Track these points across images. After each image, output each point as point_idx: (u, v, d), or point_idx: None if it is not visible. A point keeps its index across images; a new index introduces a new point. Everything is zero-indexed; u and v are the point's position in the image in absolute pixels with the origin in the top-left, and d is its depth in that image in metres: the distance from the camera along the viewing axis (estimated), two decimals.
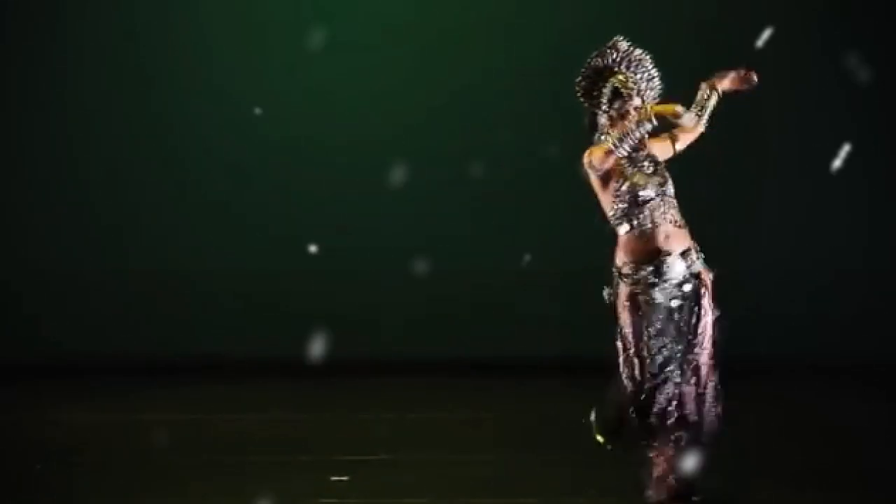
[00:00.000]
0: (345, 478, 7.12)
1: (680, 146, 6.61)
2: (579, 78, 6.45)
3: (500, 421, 8.96)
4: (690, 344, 6.42)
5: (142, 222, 10.99)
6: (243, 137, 10.93)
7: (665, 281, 6.30)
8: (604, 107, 6.35)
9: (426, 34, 10.92)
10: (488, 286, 10.72)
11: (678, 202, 6.45)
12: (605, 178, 6.31)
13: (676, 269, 6.33)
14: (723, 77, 6.63)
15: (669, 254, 6.32)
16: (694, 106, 6.52)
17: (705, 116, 6.55)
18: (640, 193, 6.31)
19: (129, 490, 6.96)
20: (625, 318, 6.39)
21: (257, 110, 10.83)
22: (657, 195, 6.36)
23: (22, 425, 8.81)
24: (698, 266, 6.41)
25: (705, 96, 6.55)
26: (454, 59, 10.90)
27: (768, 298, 10.97)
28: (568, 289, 10.89)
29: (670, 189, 6.42)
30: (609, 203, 6.33)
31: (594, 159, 6.23)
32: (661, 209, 6.37)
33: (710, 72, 11.02)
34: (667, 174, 6.44)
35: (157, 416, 9.16)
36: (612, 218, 6.34)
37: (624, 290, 6.34)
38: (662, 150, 6.52)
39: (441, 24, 10.90)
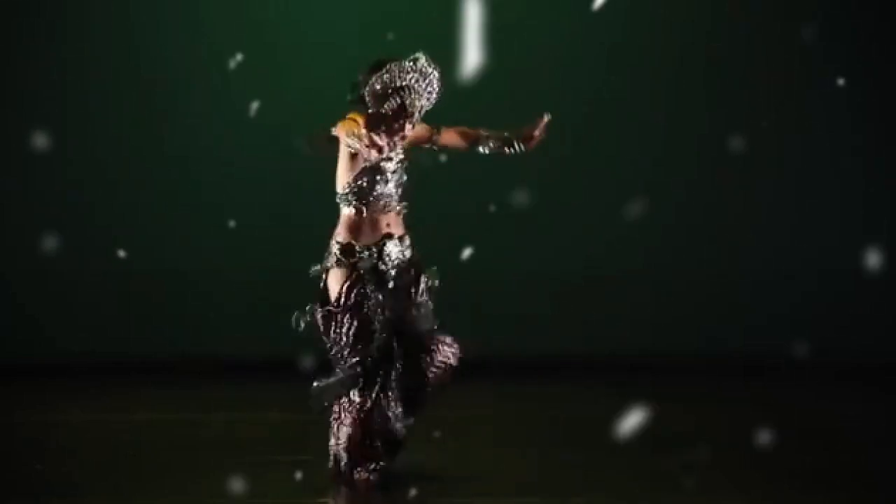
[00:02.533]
0: None
1: (443, 142, 6.98)
2: (372, 77, 6.65)
3: (500, 420, 8.96)
4: (400, 322, 6.78)
5: (141, 222, 10.99)
6: (243, 137, 10.92)
7: (384, 263, 6.73)
8: (383, 111, 6.62)
9: (428, 33, 10.91)
10: (488, 286, 10.71)
11: (404, 189, 6.85)
12: (353, 156, 6.67)
13: (394, 252, 6.76)
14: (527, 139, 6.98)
15: (390, 237, 6.76)
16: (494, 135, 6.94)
17: (490, 143, 6.95)
18: (377, 187, 6.72)
19: (129, 490, 6.96)
20: (336, 292, 6.76)
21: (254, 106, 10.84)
22: (394, 187, 6.77)
23: (22, 425, 8.81)
24: (408, 253, 6.87)
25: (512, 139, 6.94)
26: (455, 58, 10.90)
27: (767, 298, 10.98)
28: (568, 289, 10.91)
29: (404, 179, 6.82)
30: (344, 179, 6.74)
31: (350, 136, 6.57)
32: (393, 199, 6.78)
33: (707, 68, 11.09)
34: (404, 172, 6.83)
35: (157, 416, 9.15)
36: (342, 194, 6.77)
37: (341, 267, 6.76)
38: (418, 134, 6.86)
39: (442, 22, 10.90)
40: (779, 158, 11.10)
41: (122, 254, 10.75)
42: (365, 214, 6.75)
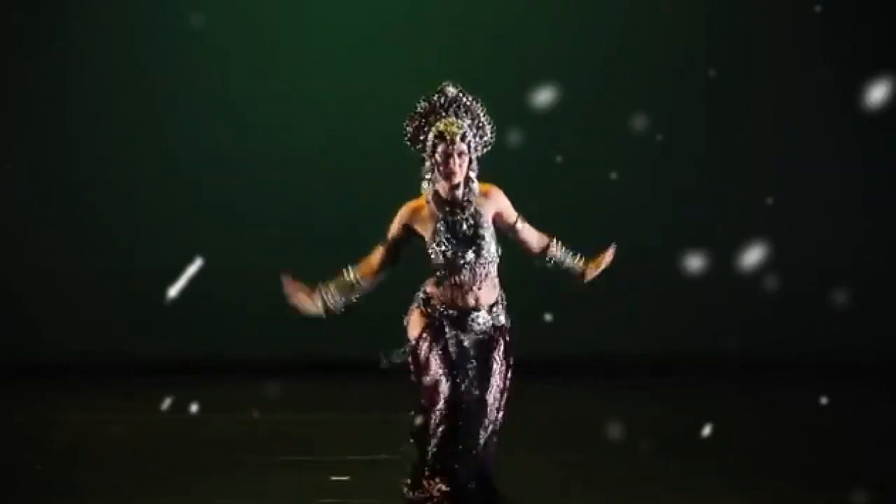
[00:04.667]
0: (345, 478, 7.12)
1: (521, 235, 6.44)
2: (406, 122, 6.30)
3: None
4: (478, 387, 6.33)
5: (141, 222, 10.99)
6: (243, 137, 10.93)
7: (465, 331, 6.30)
8: (427, 151, 6.21)
9: (428, 34, 10.92)
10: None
11: (497, 259, 6.36)
12: (424, 226, 6.26)
13: (479, 320, 6.33)
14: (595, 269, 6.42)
15: (477, 310, 6.31)
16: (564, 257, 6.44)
17: (554, 263, 6.44)
18: (459, 256, 6.24)
19: (129, 490, 6.97)
20: (414, 335, 6.38)
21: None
22: (476, 252, 6.26)
23: (22, 425, 8.81)
24: (501, 319, 6.41)
25: (576, 265, 6.42)
26: (456, 58, 10.91)
27: (767, 298, 10.98)
28: (568, 289, 10.91)
29: (488, 252, 6.30)
30: (428, 247, 6.28)
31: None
32: (480, 265, 6.28)
33: (707, 68, 11.10)
34: (486, 236, 6.30)
35: (157, 416, 9.16)
36: (430, 261, 6.29)
37: (422, 317, 6.35)
38: (501, 211, 6.37)
39: (443, 23, 10.91)
40: (779, 159, 11.10)
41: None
42: (449, 282, 6.27)
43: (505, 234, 6.40)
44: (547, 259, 6.47)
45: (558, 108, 10.90)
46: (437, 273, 6.30)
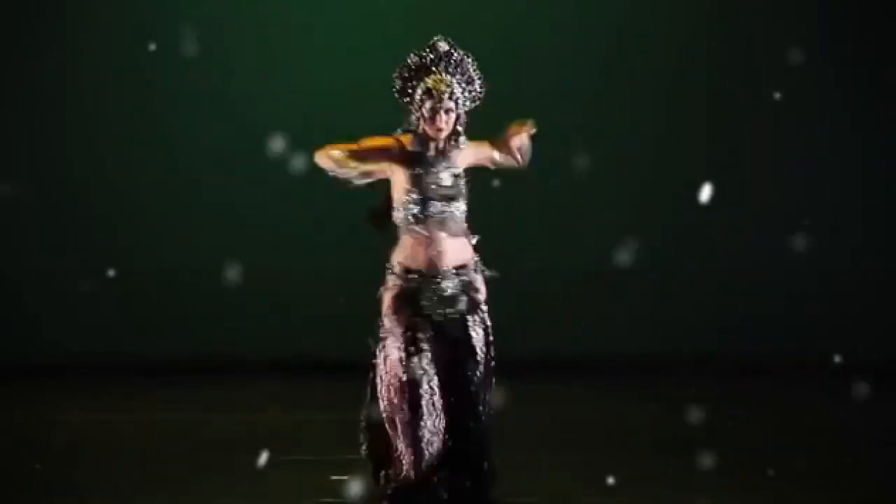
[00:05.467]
0: (345, 477, 7.12)
1: (500, 158, 6.39)
2: (395, 74, 6.39)
3: (500, 420, 8.94)
4: (458, 357, 6.32)
5: (142, 222, 10.99)
6: (243, 137, 10.92)
7: (432, 292, 6.22)
8: (415, 105, 6.27)
9: (429, 34, 10.90)
10: (487, 286, 10.69)
11: (467, 216, 6.30)
12: (399, 173, 6.22)
13: (445, 283, 6.24)
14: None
15: (440, 267, 6.22)
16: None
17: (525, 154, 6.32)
18: (431, 207, 6.18)
19: (129, 490, 6.97)
20: (387, 306, 6.28)
21: None
22: (451, 207, 6.22)
23: (22, 425, 8.81)
24: (472, 281, 6.33)
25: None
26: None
27: (767, 298, 10.98)
28: (568, 289, 10.91)
29: (460, 205, 6.26)
30: (399, 199, 6.24)
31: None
32: (451, 220, 6.23)
33: (707, 67, 11.09)
34: (462, 188, 6.26)
35: (157, 416, 9.16)
36: (398, 217, 6.26)
37: (392, 290, 6.28)
38: (477, 154, 6.37)
39: (443, 23, 10.88)
40: (778, 158, 11.10)
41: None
42: (419, 237, 6.20)
43: (490, 164, 6.38)
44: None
45: (559, 106, 10.90)
46: (405, 226, 6.23)
